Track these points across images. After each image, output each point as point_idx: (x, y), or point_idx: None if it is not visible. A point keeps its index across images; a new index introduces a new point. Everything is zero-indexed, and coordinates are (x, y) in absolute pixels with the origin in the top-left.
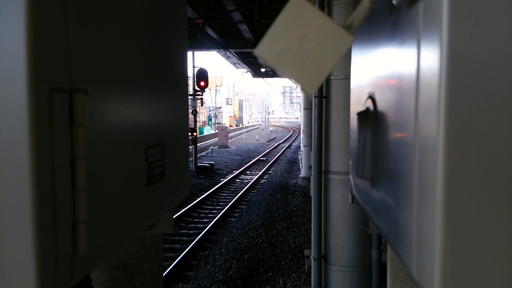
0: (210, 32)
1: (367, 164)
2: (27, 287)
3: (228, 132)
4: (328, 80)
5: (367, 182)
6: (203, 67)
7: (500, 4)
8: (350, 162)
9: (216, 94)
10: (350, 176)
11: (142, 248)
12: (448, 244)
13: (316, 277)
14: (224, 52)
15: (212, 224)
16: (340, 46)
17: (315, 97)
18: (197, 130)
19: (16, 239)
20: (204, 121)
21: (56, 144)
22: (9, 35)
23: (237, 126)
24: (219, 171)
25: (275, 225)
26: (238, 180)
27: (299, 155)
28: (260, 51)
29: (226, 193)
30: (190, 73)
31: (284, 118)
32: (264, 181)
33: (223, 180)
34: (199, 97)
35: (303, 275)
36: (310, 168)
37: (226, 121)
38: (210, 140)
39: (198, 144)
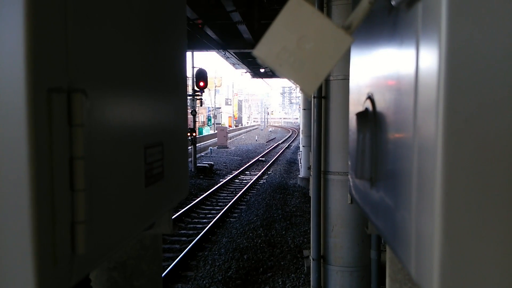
0: (210, 32)
1: (366, 165)
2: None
3: (228, 133)
4: (327, 81)
5: (366, 182)
6: (203, 67)
7: (499, 4)
8: (349, 163)
9: (215, 95)
10: (349, 176)
11: (141, 248)
12: (447, 244)
13: (315, 277)
14: (224, 53)
15: (212, 225)
16: (339, 46)
17: (314, 97)
18: (196, 131)
19: (15, 239)
20: (203, 122)
21: (55, 145)
22: (7, 35)
23: (236, 126)
24: (218, 171)
25: (274, 226)
26: (238, 181)
27: (298, 155)
28: (259, 51)
29: (226, 193)
30: (189, 73)
31: (283, 118)
32: (263, 182)
33: (222, 181)
34: (198, 97)
35: (302, 275)
36: (309, 168)
37: (225, 121)
38: (209, 141)
39: (197, 145)
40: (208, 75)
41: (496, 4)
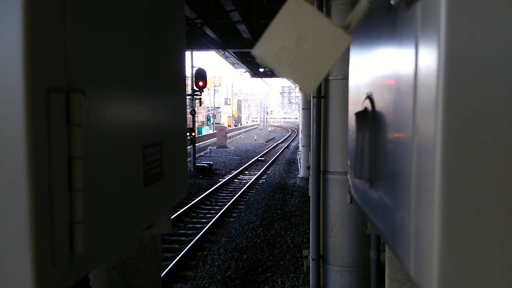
0: (209, 32)
1: (365, 165)
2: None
3: (227, 132)
4: (326, 80)
5: (365, 182)
6: (202, 67)
7: (499, 4)
8: (349, 162)
9: (214, 94)
10: (349, 176)
11: (140, 248)
12: (446, 244)
13: (314, 277)
14: (223, 52)
15: (211, 225)
16: (338, 46)
17: (313, 97)
18: (196, 130)
19: (13, 239)
20: (203, 121)
21: (53, 144)
22: (6, 35)
23: (235, 126)
24: (217, 171)
25: (273, 225)
26: (237, 180)
27: (297, 155)
28: (258, 51)
29: (225, 193)
30: (188, 73)
31: (283, 118)
32: (262, 181)
33: (221, 180)
34: (198, 97)
35: (302, 275)
36: (308, 168)
37: (224, 121)
38: (208, 140)
39: (196, 144)
40: (207, 75)
41: (495, 3)
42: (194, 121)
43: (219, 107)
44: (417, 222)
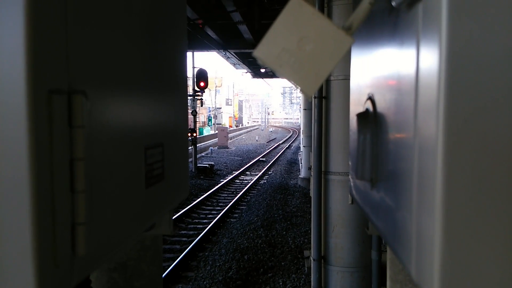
0: (210, 32)
1: (367, 165)
2: None
3: (228, 133)
4: (328, 81)
5: (367, 183)
6: (203, 67)
7: (499, 5)
8: (350, 163)
9: (215, 95)
10: (350, 177)
11: (141, 249)
12: (448, 245)
13: (316, 278)
14: (224, 53)
15: (212, 225)
16: (339, 47)
17: (315, 97)
18: (197, 131)
19: (15, 241)
20: (204, 122)
21: (55, 146)
22: (8, 37)
23: (236, 126)
24: (219, 171)
25: (275, 226)
26: (238, 181)
27: (298, 155)
28: (260, 52)
29: (226, 193)
30: (189, 73)
31: (284, 118)
32: (264, 182)
33: (223, 181)
34: (199, 97)
35: (303, 275)
36: (310, 168)
37: (225, 121)
38: (209, 141)
39: (197, 145)
40: (208, 75)
41: (495, 5)
42: (195, 122)
43: (220, 108)
44: (419, 223)
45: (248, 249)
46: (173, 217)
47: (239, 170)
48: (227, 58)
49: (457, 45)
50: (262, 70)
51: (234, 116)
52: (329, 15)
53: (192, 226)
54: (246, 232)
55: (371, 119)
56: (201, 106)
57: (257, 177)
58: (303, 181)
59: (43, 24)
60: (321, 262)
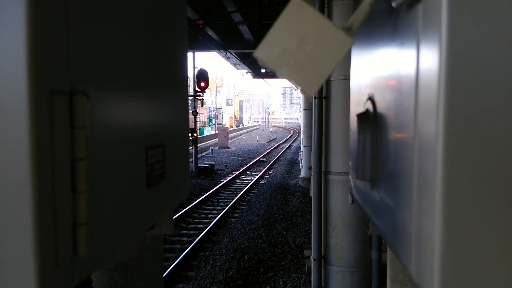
0: (211, 33)
1: (367, 166)
2: None
3: (229, 133)
4: (328, 81)
5: (367, 183)
6: (204, 67)
7: (499, 6)
8: (350, 163)
9: (216, 95)
10: (350, 177)
11: (142, 249)
12: (448, 245)
13: (316, 278)
14: (225, 53)
15: (212, 225)
16: (339, 48)
17: (315, 97)
18: (198, 131)
19: (17, 241)
20: (205, 122)
21: (57, 147)
22: (9, 38)
23: (237, 126)
24: (219, 171)
25: (275, 226)
26: (239, 181)
27: (299, 155)
28: (260, 53)
29: (227, 193)
30: (190, 73)
31: (284, 118)
32: (264, 182)
33: (223, 181)
34: (200, 97)
35: (303, 275)
36: (310, 168)
37: (226, 121)
38: (210, 141)
39: (198, 145)
40: (209, 76)
41: (496, 6)
42: (196, 122)
43: (221, 108)
44: (419, 223)
45: (249, 249)
46: (174, 217)
47: (239, 170)
48: (228, 59)
49: (457, 45)
50: (263, 70)
51: (235, 116)
52: (329, 15)
53: (192, 226)
54: (246, 232)
55: (371, 120)
56: (202, 106)
57: (257, 177)
58: (304, 181)
59: (45, 25)
60: (321, 262)
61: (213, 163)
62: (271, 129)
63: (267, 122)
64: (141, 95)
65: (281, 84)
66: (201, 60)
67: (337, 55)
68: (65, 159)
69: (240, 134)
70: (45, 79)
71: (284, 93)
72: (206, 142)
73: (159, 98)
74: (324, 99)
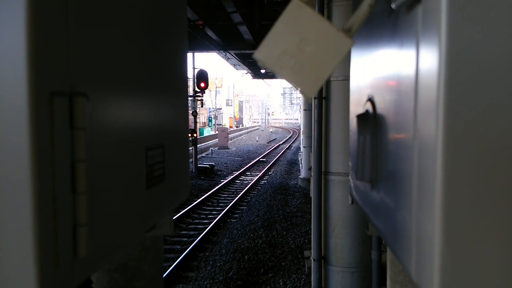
0: (210, 33)
1: (367, 166)
2: None
3: (228, 133)
4: (328, 82)
5: (367, 184)
6: (203, 68)
7: (499, 7)
8: (350, 164)
9: (216, 95)
10: (350, 177)
11: (142, 250)
12: (448, 246)
13: (316, 278)
14: (224, 54)
15: (212, 225)
16: (339, 49)
17: (315, 98)
18: (197, 131)
19: (17, 242)
20: (204, 122)
21: (57, 148)
22: (9, 39)
23: (237, 127)
24: (219, 172)
25: (275, 226)
26: (238, 181)
27: (299, 156)
28: (260, 54)
29: (226, 194)
30: (190, 74)
31: (284, 119)
32: (264, 182)
33: (223, 181)
34: (199, 98)
35: (303, 276)
36: (310, 169)
37: (226, 122)
38: (210, 141)
39: (198, 145)
40: (209, 76)
41: (495, 6)
42: (195, 122)
43: (221, 108)
44: (419, 224)
45: (249, 249)
46: (174, 218)
47: (239, 170)
48: (228, 59)
49: (457, 46)
50: (262, 71)
51: (235, 117)
52: (329, 16)
53: (192, 226)
54: (246, 232)
55: (371, 120)
56: (202, 106)
57: (257, 177)
58: (303, 182)
59: (45, 26)
60: (321, 262)
61: (213, 163)
62: (271, 130)
63: (267, 123)
64: (141, 96)
65: (280, 84)
66: (200, 60)
67: (337, 56)
68: (65, 160)
69: (240, 135)
70: (45, 81)
71: (283, 94)
72: (206, 143)
73: (159, 98)
74: (324, 100)
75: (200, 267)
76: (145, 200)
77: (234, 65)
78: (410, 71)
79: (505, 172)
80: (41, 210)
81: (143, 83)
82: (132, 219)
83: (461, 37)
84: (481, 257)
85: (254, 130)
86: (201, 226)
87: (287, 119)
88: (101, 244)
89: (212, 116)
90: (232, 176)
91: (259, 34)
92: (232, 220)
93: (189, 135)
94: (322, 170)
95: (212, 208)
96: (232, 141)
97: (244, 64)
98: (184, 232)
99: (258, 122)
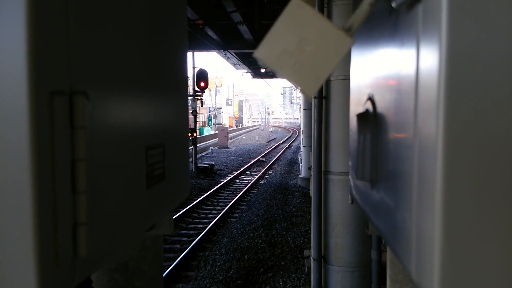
0: (210, 33)
1: (367, 166)
2: None
3: (228, 133)
4: (327, 81)
5: (367, 183)
6: (203, 67)
7: (500, 7)
8: (350, 163)
9: (216, 95)
10: (350, 177)
11: (142, 249)
12: (447, 245)
13: (316, 278)
14: (224, 53)
15: (212, 225)
16: (339, 48)
17: (315, 97)
18: (197, 131)
19: (17, 241)
20: (204, 122)
21: (57, 147)
22: (9, 38)
23: (237, 126)
24: (219, 171)
25: (275, 226)
26: (238, 181)
27: (299, 155)
28: (260, 53)
29: (226, 193)
30: (190, 73)
31: (284, 118)
32: (264, 182)
33: (223, 181)
34: (199, 97)
35: (303, 275)
36: (310, 168)
37: (226, 121)
38: (210, 141)
39: (198, 145)
40: (208, 76)
41: (496, 6)
42: (195, 122)
43: (221, 108)
44: (419, 223)
45: (248, 249)
46: (174, 217)
47: (239, 170)
48: (227, 58)
49: (457, 46)
50: (262, 70)
51: (234, 116)
52: (329, 15)
53: (192, 226)
54: (246, 231)
55: (371, 120)
56: (201, 106)
57: (257, 177)
58: (303, 181)
59: (45, 25)
60: (321, 262)
61: (212, 163)
62: (271, 129)
63: (266, 122)
64: (141, 95)
65: (280, 84)
66: (200, 60)
67: (337, 56)
68: (65, 160)
69: (240, 134)
70: (45, 80)
71: (283, 93)
72: (205, 142)
73: (159, 98)
74: (324, 99)
75: (200, 267)
76: (145, 200)
77: (234, 65)
78: (410, 70)
79: (505, 172)
80: (41, 209)
81: (143, 82)
82: (132, 218)
83: (461, 37)
84: (481, 257)
85: (254, 129)
86: (201, 226)
87: (287, 118)
88: (101, 244)
89: (212, 116)
90: (232, 176)
91: (259, 33)
92: (232, 219)
93: (189, 134)
94: (322, 169)
95: (212, 207)
96: (232, 140)
97: (244, 63)
98: (184, 231)
99: (258, 121)
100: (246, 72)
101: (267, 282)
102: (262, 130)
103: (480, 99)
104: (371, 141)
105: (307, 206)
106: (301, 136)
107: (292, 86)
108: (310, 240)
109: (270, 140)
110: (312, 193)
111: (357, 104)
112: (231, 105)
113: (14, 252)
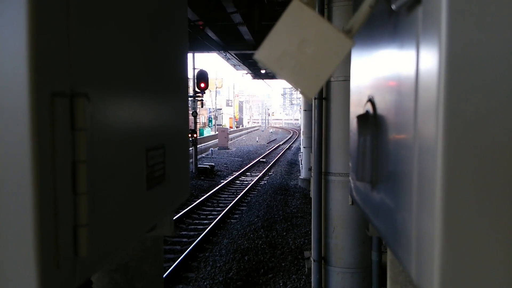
0: (210, 33)
1: (367, 167)
2: None
3: (228, 134)
4: (328, 82)
5: (367, 184)
6: (203, 68)
7: (499, 8)
8: (350, 164)
9: (216, 96)
10: (350, 178)
11: (142, 250)
12: (448, 247)
13: (316, 279)
14: (224, 54)
15: (212, 226)
16: (339, 50)
17: (315, 99)
18: (197, 132)
19: (18, 242)
20: (204, 123)
21: (57, 149)
22: (10, 40)
23: (237, 127)
24: (219, 172)
25: (275, 227)
26: (238, 182)
27: (299, 156)
28: (260, 55)
29: (227, 194)
30: (190, 74)
31: (284, 119)
32: (264, 183)
33: (223, 182)
34: (199, 98)
35: (303, 276)
36: (310, 169)
37: (226, 122)
38: (210, 142)
39: (198, 146)
40: (209, 76)
41: (495, 8)
42: (196, 123)
43: (221, 109)
44: (419, 224)
45: (249, 250)
46: (174, 218)
47: (239, 171)
48: (228, 59)
49: (457, 47)
50: (263, 71)
51: (235, 117)
52: (329, 16)
53: (192, 227)
54: (246, 233)
55: (371, 121)
56: (202, 107)
57: (257, 178)
58: (304, 182)
59: (46, 27)
60: (321, 263)
61: (213, 164)
62: (271, 130)
63: (267, 123)
64: (142, 97)
65: (281, 85)
66: (201, 61)
67: (337, 57)
68: (66, 161)
69: (240, 135)
70: (46, 81)
71: (284, 94)
72: (206, 143)
73: (160, 99)
74: (324, 100)
75: (200, 268)
76: (145, 201)
77: (234, 66)
78: (410, 72)
79: (505, 173)
80: (42, 210)
81: (143, 83)
82: (133, 219)
83: (461, 38)
84: (481, 258)
85: (254, 130)
86: (201, 227)
87: (287, 119)
88: (102, 245)
89: (212, 117)
90: (232, 177)
91: (260, 34)
92: (232, 220)
93: (189, 135)
94: (322, 170)
95: (212, 208)
96: (232, 141)
97: (244, 64)
98: (184, 232)
99: (258, 122)
100: (246, 73)
101: (267, 283)
102: (262, 131)
103: (480, 101)
104: (371, 142)
105: (307, 207)
106: (301, 137)
107: (292, 87)
108: (311, 241)
109: (270, 141)
110: (312, 194)
111: (357, 105)
112: (231, 106)
113: (15, 253)
